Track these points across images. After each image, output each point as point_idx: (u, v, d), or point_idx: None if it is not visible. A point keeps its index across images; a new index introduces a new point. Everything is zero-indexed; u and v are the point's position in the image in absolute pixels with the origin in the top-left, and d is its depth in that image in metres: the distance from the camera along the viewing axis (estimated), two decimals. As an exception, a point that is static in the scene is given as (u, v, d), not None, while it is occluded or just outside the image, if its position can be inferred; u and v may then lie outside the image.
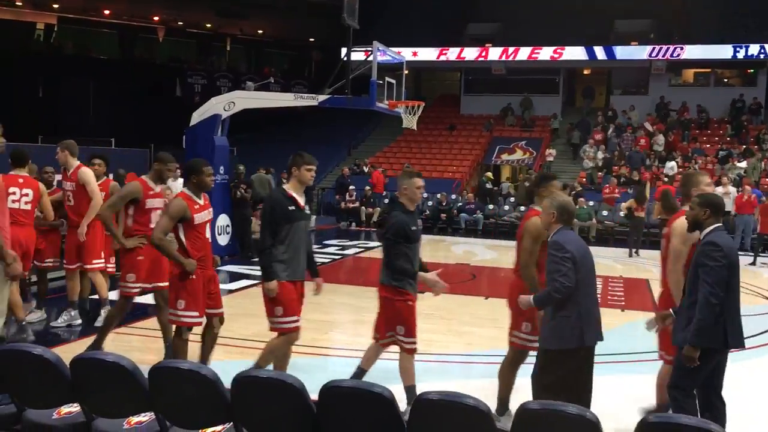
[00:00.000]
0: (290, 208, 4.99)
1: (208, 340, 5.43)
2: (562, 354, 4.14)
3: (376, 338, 5.03)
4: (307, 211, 5.27)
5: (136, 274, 5.83)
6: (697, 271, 4.05)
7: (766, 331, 7.83)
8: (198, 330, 5.37)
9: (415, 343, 4.85)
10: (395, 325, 4.83)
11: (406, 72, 14.33)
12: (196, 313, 5.12)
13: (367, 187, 20.13)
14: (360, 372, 5.04)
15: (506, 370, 4.88)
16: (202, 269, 5.13)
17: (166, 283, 5.51)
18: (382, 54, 12.83)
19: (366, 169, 22.80)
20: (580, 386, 4.20)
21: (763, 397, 5.85)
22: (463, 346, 6.67)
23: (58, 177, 7.97)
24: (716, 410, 4.14)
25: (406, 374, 4.86)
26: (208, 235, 5.27)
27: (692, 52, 25.12)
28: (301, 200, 5.14)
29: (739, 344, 4.13)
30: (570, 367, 4.15)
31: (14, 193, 6.41)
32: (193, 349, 5.32)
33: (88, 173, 7.00)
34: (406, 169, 6.58)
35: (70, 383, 3.57)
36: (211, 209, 5.37)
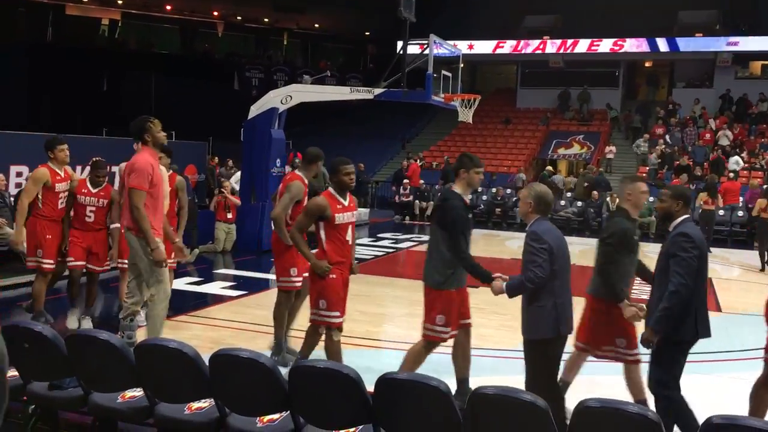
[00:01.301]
0: (469, 215, 4.88)
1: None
2: (545, 343, 4.17)
3: (586, 349, 4.77)
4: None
5: (298, 268, 5.67)
6: (667, 262, 4.10)
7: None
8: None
9: (638, 354, 4.57)
10: (614, 338, 4.58)
11: (462, 65, 14.23)
12: (337, 313, 4.99)
13: (405, 181, 19.99)
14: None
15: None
16: (341, 272, 5.02)
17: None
18: (438, 47, 12.76)
19: (420, 162, 22.69)
20: (555, 375, 4.33)
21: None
22: (518, 341, 6.60)
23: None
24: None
25: (635, 387, 4.61)
26: (349, 238, 5.10)
27: (759, 43, 24.19)
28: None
29: (707, 334, 4.20)
30: (552, 354, 4.22)
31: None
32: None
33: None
34: (626, 175, 6.04)
35: (134, 368, 3.68)
36: (355, 211, 5.20)
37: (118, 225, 6.47)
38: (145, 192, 5.15)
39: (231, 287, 9.12)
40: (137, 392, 3.89)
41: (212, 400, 3.71)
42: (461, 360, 5.00)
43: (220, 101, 24.64)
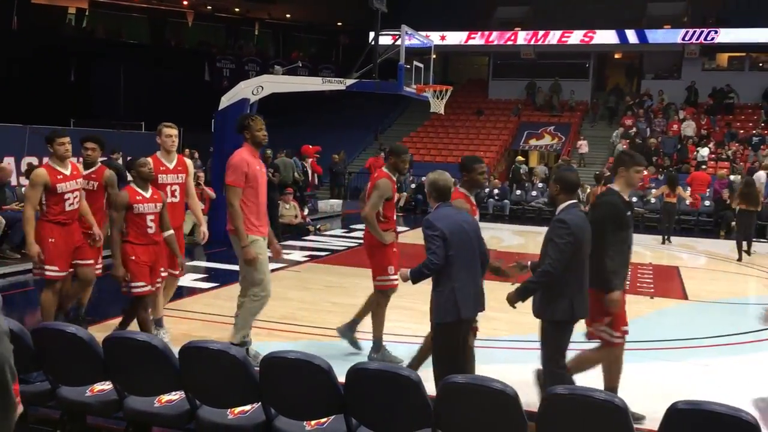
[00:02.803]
0: (627, 213, 4.59)
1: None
2: (446, 327, 4.27)
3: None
4: None
5: (394, 266, 5.61)
6: (547, 245, 4.27)
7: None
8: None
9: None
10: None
11: (434, 56, 14.24)
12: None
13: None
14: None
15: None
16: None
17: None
18: (410, 38, 12.76)
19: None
20: (464, 357, 4.42)
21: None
22: (489, 331, 6.66)
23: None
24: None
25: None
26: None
27: (727, 35, 24.58)
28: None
29: (584, 315, 4.34)
30: (454, 338, 4.30)
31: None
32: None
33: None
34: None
35: (103, 362, 3.64)
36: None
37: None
38: (240, 189, 5.16)
39: (202, 279, 9.06)
40: (106, 385, 3.85)
41: (182, 392, 3.69)
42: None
43: (191, 92, 24.37)
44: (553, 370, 4.31)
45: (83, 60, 25.54)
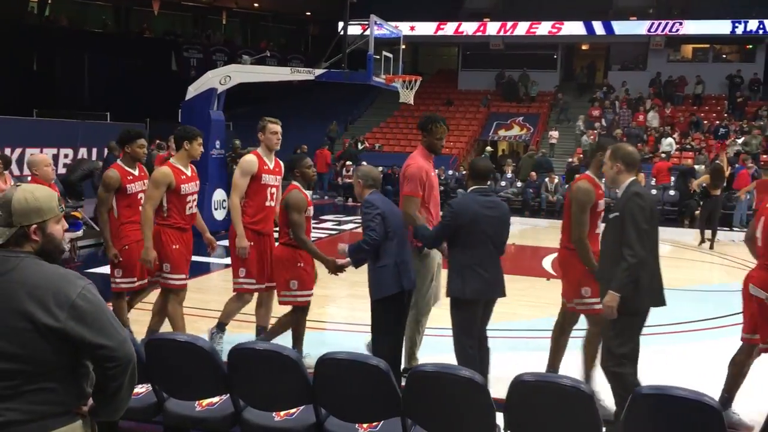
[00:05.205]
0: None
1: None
2: (388, 300, 4.49)
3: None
4: None
5: (591, 288, 4.90)
6: None
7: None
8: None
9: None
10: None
11: (404, 46, 14.23)
12: None
13: (348, 163, 19.92)
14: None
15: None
16: None
17: None
18: (380, 28, 12.72)
19: (360, 147, 22.65)
20: (401, 329, 4.71)
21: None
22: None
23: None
24: (483, 351, 4.61)
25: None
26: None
27: (691, 27, 24.98)
28: None
29: (487, 295, 4.52)
30: (396, 311, 4.56)
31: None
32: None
33: None
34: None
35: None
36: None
37: None
38: (419, 198, 4.88)
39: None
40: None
41: (149, 385, 3.65)
42: None
43: (157, 82, 24.02)
44: (461, 351, 4.50)
45: (46, 49, 24.99)
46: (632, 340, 4.02)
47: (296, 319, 5.37)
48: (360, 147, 22.57)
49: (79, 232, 5.19)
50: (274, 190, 5.48)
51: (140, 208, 5.38)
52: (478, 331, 4.58)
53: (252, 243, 5.37)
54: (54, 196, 2.31)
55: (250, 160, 5.37)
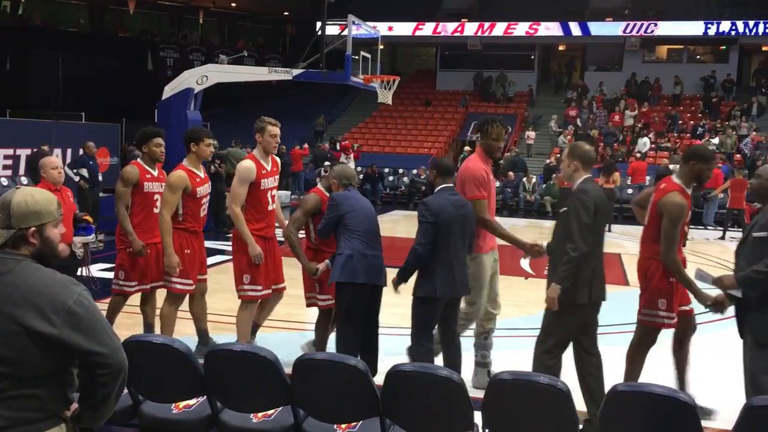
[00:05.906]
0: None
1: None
2: (340, 287, 4.66)
3: None
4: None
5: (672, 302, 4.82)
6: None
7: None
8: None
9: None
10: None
11: (382, 47, 14.27)
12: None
13: (327, 163, 19.84)
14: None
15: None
16: None
17: None
18: (358, 28, 12.73)
19: (337, 146, 22.61)
20: (352, 319, 4.73)
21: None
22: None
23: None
24: (454, 350, 4.66)
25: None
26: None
27: (665, 28, 25.29)
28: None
29: (448, 293, 4.52)
30: (346, 300, 4.67)
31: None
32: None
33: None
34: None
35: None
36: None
37: None
38: (486, 199, 4.77)
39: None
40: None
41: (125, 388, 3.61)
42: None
43: (134, 82, 23.80)
44: (417, 346, 4.57)
45: (19, 48, 24.64)
46: (567, 332, 4.22)
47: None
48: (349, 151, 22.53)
49: (91, 237, 5.10)
50: (273, 192, 5.37)
51: (154, 210, 5.32)
52: (450, 331, 4.68)
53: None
54: (53, 200, 2.30)
55: (247, 167, 5.15)
